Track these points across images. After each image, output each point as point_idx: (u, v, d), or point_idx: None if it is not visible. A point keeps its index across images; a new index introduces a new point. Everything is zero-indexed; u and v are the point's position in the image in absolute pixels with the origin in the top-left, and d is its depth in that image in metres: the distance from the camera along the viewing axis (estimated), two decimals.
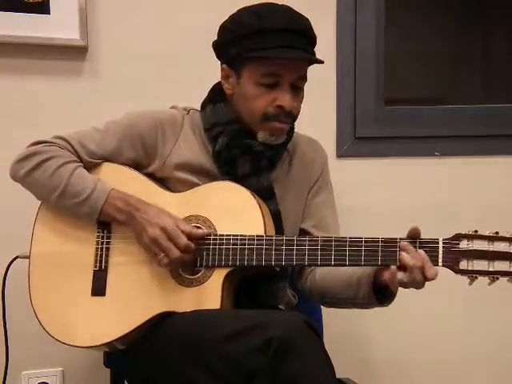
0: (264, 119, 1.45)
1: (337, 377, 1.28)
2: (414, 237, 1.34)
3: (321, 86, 1.99)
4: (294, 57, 1.41)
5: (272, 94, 1.43)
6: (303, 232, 1.56)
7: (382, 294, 1.41)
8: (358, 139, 2.08)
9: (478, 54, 2.57)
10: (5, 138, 1.85)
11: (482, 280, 1.30)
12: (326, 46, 2.00)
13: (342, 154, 2.07)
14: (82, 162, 1.49)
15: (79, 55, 1.90)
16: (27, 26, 1.83)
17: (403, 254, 1.32)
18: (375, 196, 2.07)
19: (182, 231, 1.37)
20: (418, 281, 1.31)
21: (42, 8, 1.84)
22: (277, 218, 1.47)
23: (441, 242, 1.32)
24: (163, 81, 1.93)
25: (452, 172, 2.12)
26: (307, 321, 1.25)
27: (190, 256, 1.38)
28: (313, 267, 1.55)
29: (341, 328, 2.00)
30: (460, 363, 2.14)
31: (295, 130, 1.59)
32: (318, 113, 2.00)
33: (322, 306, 1.74)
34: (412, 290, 2.02)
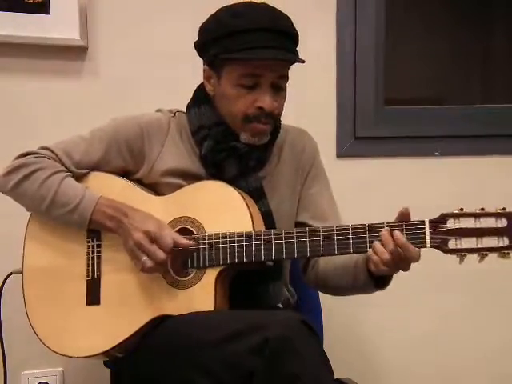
0: (245, 120, 1.43)
1: (337, 377, 1.28)
2: (402, 218, 1.31)
3: (321, 86, 1.99)
4: (269, 57, 1.38)
5: (252, 95, 1.41)
6: (302, 225, 1.53)
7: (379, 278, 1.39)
8: (357, 139, 2.08)
9: (478, 53, 2.57)
10: (4, 138, 1.85)
11: (472, 258, 1.27)
12: (326, 45, 2.00)
13: (342, 153, 2.06)
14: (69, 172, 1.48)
15: (79, 55, 1.90)
16: (27, 26, 1.83)
17: (375, 242, 1.30)
18: (375, 196, 2.07)
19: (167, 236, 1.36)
20: (394, 264, 1.28)
21: (42, 8, 1.84)
22: (268, 218, 1.46)
23: (427, 223, 1.29)
24: (163, 81, 1.93)
25: (452, 172, 2.12)
26: (304, 320, 1.25)
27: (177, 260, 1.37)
28: (315, 259, 1.53)
29: (341, 327, 2.00)
30: (461, 364, 2.14)
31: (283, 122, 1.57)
32: (318, 113, 2.00)
33: (321, 305, 1.74)
34: (412, 290, 2.05)
